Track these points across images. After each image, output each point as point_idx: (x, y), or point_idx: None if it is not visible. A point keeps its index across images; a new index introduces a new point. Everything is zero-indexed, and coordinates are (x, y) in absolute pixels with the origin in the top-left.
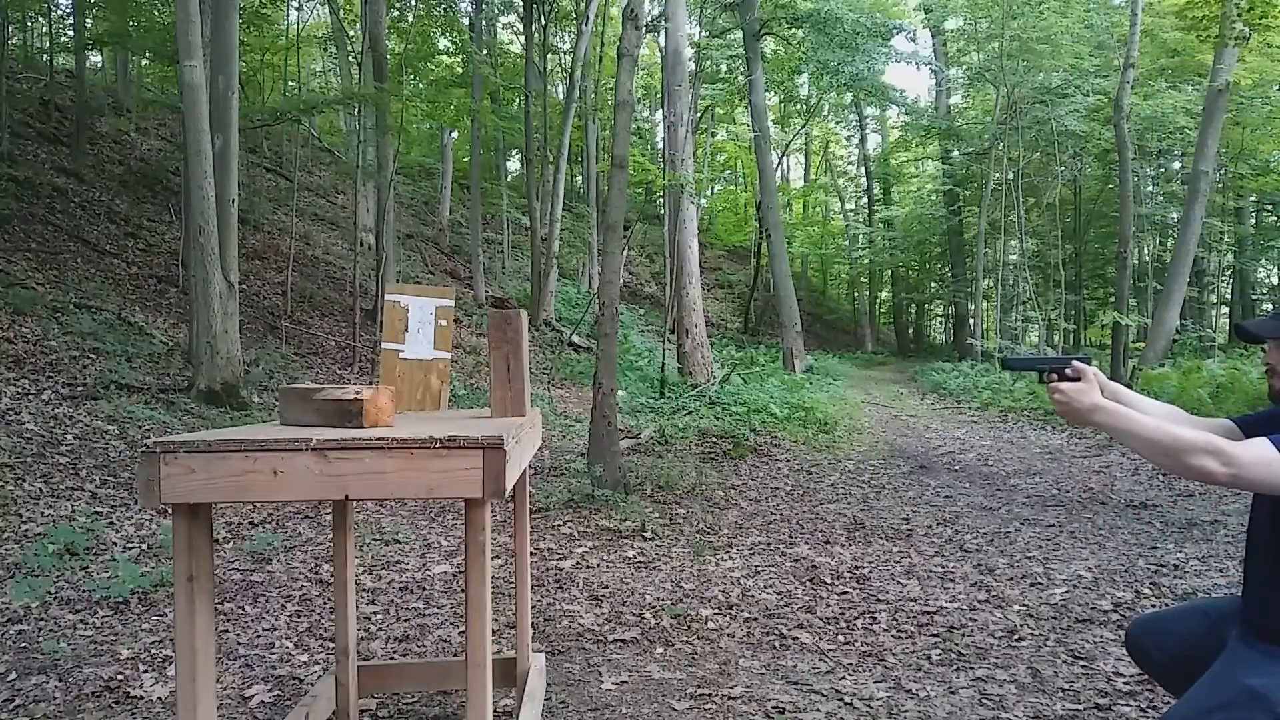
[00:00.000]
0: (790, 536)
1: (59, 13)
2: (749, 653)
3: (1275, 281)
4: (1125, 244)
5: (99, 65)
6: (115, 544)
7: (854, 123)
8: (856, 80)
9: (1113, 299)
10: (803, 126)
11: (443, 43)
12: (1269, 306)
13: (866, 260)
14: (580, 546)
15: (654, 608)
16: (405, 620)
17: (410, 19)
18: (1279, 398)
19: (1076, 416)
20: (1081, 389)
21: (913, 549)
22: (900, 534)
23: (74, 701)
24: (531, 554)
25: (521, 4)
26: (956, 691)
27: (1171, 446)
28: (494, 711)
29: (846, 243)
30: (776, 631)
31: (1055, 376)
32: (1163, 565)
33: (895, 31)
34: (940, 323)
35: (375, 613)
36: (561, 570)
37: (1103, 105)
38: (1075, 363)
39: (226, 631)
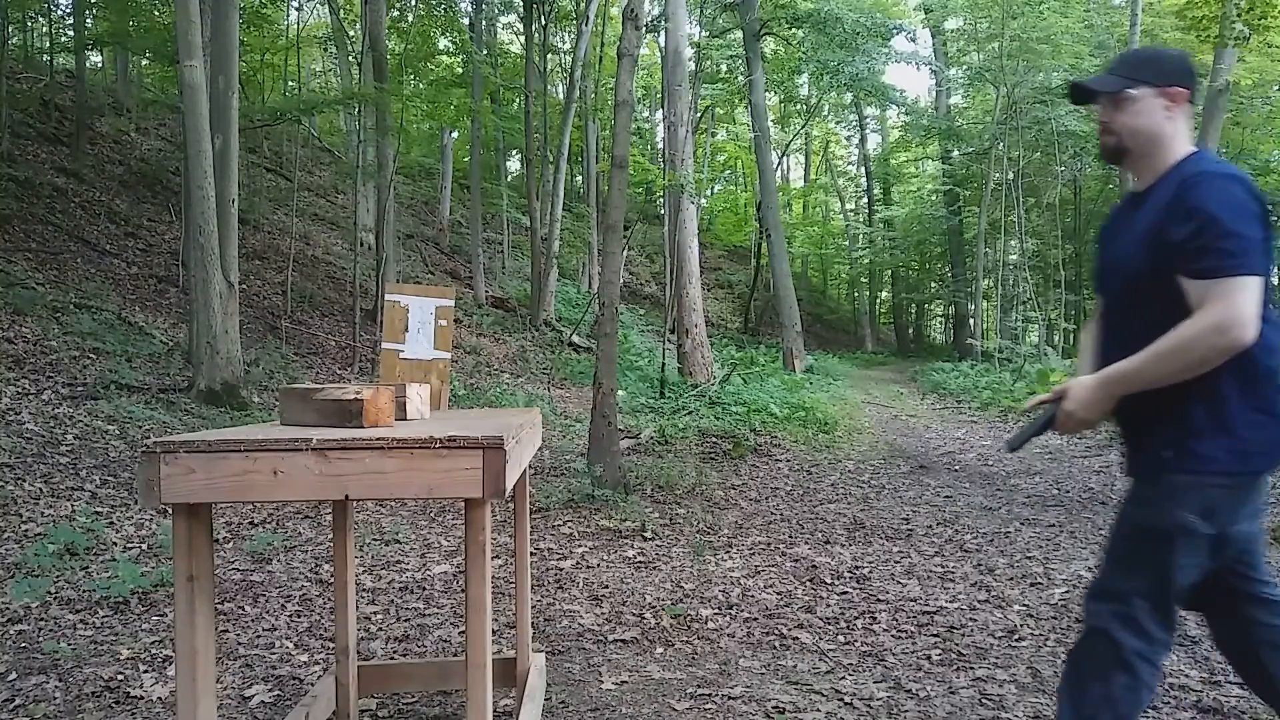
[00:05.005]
0: (790, 536)
1: (59, 13)
2: (749, 653)
3: (1275, 281)
4: None
5: (99, 65)
6: (115, 544)
7: (854, 123)
8: (856, 80)
9: None
10: (803, 126)
11: (443, 43)
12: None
13: (866, 260)
14: (580, 546)
15: (654, 608)
16: (405, 620)
17: (410, 19)
18: (1110, 155)
19: (1096, 413)
20: (1074, 401)
21: (913, 549)
22: (900, 534)
23: (74, 701)
24: (531, 554)
25: (521, 4)
26: (956, 691)
27: (1178, 350)
28: (494, 711)
29: (846, 243)
30: (776, 631)
31: (1053, 423)
32: None
33: (895, 31)
34: (940, 323)
35: (375, 613)
36: (561, 570)
37: None
38: (1057, 405)
39: (226, 631)
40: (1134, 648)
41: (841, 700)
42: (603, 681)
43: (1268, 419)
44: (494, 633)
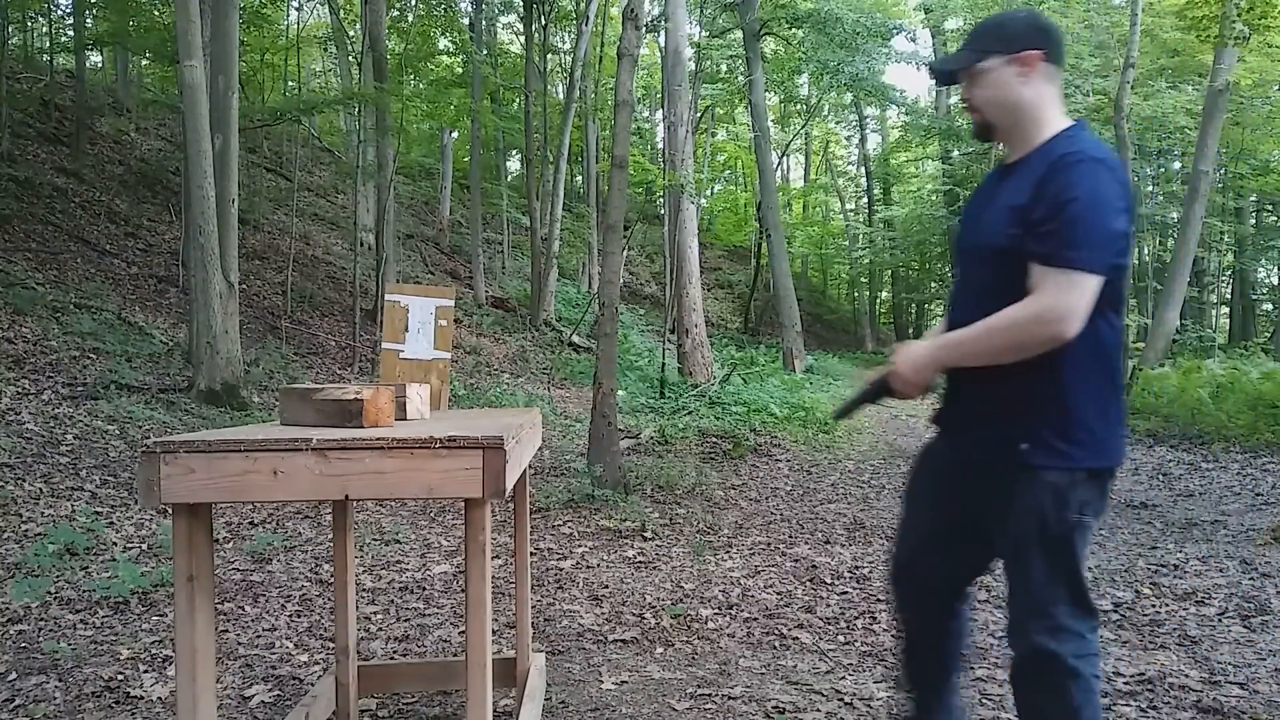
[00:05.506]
0: (790, 536)
1: (59, 13)
2: (749, 653)
3: (1275, 281)
4: None
5: (99, 65)
6: (115, 544)
7: (854, 123)
8: (856, 80)
9: None
10: (803, 126)
11: (443, 43)
12: (1269, 307)
13: (866, 260)
14: (580, 546)
15: (654, 608)
16: (405, 620)
17: (410, 19)
18: (979, 133)
19: (922, 376)
20: (903, 360)
21: None
22: None
23: (74, 701)
24: (531, 554)
25: (521, 4)
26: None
27: (1001, 330)
28: (494, 711)
29: (846, 243)
30: (776, 631)
31: (884, 389)
32: (1163, 565)
33: (895, 31)
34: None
35: (375, 613)
36: (561, 570)
37: (1103, 105)
38: (886, 374)
39: (226, 631)
40: (1073, 651)
41: (841, 700)
42: (603, 681)
43: (1115, 416)
44: (494, 633)
